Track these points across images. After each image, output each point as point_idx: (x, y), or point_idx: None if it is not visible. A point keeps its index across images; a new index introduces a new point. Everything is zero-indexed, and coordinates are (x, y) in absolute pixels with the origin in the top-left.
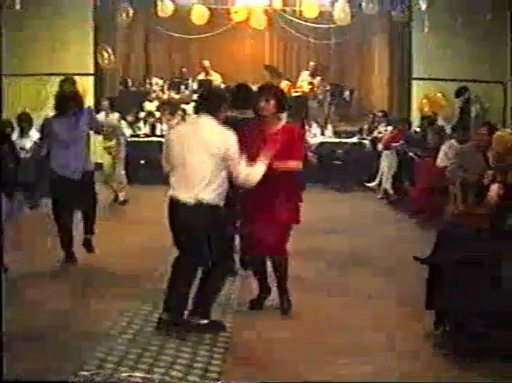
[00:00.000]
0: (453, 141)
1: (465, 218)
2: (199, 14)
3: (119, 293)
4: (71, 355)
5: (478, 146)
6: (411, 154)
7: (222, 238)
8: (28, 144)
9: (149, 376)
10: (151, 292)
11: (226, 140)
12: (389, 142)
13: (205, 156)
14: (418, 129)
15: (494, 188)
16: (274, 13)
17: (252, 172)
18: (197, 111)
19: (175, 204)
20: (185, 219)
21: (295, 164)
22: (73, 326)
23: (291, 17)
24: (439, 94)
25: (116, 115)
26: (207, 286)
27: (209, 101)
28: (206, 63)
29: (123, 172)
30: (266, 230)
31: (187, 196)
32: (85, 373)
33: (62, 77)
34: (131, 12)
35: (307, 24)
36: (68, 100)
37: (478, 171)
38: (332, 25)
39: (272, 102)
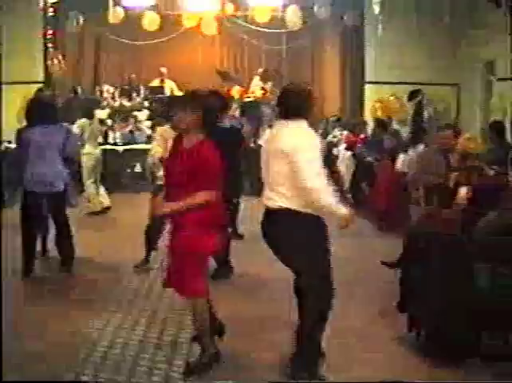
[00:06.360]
0: (421, 147)
1: (432, 221)
2: (151, 21)
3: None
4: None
5: (442, 149)
6: (369, 158)
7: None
8: None
9: None
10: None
11: None
12: (354, 143)
13: None
14: (370, 133)
15: (463, 192)
16: (226, 19)
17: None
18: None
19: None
20: None
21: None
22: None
23: (242, 23)
24: (392, 98)
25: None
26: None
27: None
28: (164, 70)
29: (88, 182)
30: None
31: None
32: None
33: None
34: (81, 19)
35: (258, 29)
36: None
37: (440, 173)
38: (283, 30)
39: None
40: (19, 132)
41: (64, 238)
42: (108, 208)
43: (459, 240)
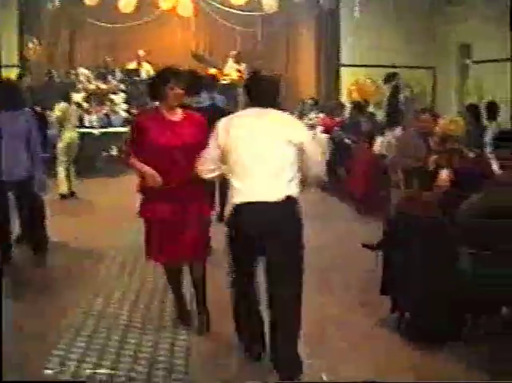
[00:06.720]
0: (398, 130)
1: (412, 204)
2: (126, 3)
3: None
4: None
5: (421, 132)
6: (346, 140)
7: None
8: None
9: (114, 372)
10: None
11: None
12: (330, 126)
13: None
14: (347, 115)
15: (444, 174)
16: (201, 1)
17: None
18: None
19: None
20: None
21: None
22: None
23: (218, 5)
24: (368, 80)
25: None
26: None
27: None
28: (141, 52)
29: (57, 165)
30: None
31: None
32: (49, 371)
33: None
34: (56, 0)
35: (234, 11)
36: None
37: (420, 157)
38: (259, 13)
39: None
40: None
41: (34, 227)
42: (73, 193)
43: (441, 223)
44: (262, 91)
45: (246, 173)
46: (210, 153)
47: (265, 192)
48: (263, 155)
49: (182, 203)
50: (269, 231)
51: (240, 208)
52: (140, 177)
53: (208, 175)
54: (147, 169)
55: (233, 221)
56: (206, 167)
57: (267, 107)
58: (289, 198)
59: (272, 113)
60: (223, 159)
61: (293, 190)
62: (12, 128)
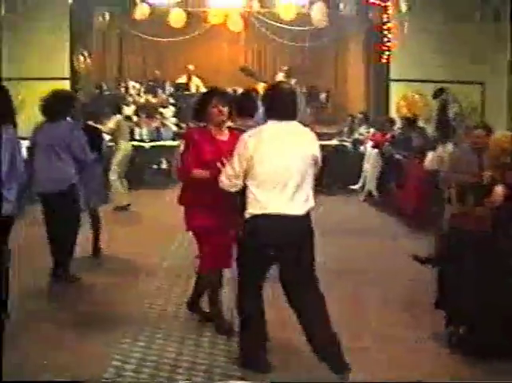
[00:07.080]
0: (450, 146)
1: (466, 219)
2: (177, 17)
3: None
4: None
5: (475, 148)
6: (397, 156)
7: None
8: None
9: None
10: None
11: None
12: (380, 141)
13: None
14: (397, 130)
15: (499, 190)
16: (251, 16)
17: None
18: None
19: None
20: None
21: None
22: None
23: (267, 20)
24: (417, 96)
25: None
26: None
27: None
28: (191, 67)
29: (113, 178)
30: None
31: None
32: (105, 381)
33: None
34: (107, 15)
35: (283, 26)
36: None
37: (473, 172)
38: (308, 28)
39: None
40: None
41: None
42: (128, 205)
43: (494, 237)
44: (283, 103)
45: (272, 186)
46: (235, 167)
47: (290, 206)
48: (291, 170)
49: (224, 212)
50: (291, 243)
51: (263, 220)
52: (183, 190)
53: (231, 189)
54: (205, 174)
55: (254, 233)
56: (231, 181)
57: (288, 119)
58: (308, 211)
59: (295, 127)
60: (248, 171)
61: (312, 203)
62: (57, 139)
